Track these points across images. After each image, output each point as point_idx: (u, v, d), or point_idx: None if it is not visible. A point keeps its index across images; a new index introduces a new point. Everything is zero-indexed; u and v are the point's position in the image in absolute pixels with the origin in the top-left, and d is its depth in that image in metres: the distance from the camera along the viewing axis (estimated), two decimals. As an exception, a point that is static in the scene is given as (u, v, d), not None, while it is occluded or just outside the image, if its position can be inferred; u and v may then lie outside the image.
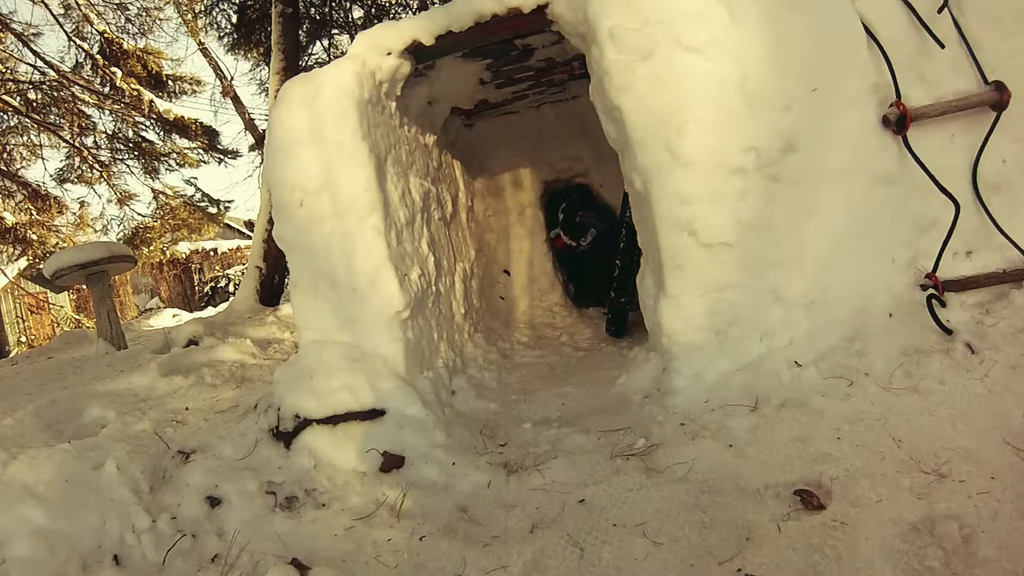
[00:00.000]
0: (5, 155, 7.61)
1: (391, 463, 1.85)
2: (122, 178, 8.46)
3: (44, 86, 7.30)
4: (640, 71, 1.87)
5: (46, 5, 7.25)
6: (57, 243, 7.62)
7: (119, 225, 8.57)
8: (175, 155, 8.45)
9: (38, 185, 7.82)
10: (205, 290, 14.01)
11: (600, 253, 4.05)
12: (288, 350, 3.65)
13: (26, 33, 7.03)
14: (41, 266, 5.94)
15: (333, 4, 7.31)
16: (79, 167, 8.13)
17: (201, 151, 8.62)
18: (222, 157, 8.77)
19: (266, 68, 7.67)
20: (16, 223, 7.48)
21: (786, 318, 1.85)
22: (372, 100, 2.28)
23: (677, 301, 1.91)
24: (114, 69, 7.63)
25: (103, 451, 1.81)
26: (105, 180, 8.25)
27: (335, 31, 7.65)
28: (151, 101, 7.74)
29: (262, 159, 8.47)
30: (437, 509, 1.67)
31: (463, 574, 1.38)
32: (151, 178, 8.46)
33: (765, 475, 1.45)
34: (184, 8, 8.48)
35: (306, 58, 7.37)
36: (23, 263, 8.51)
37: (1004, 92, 1.88)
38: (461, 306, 2.96)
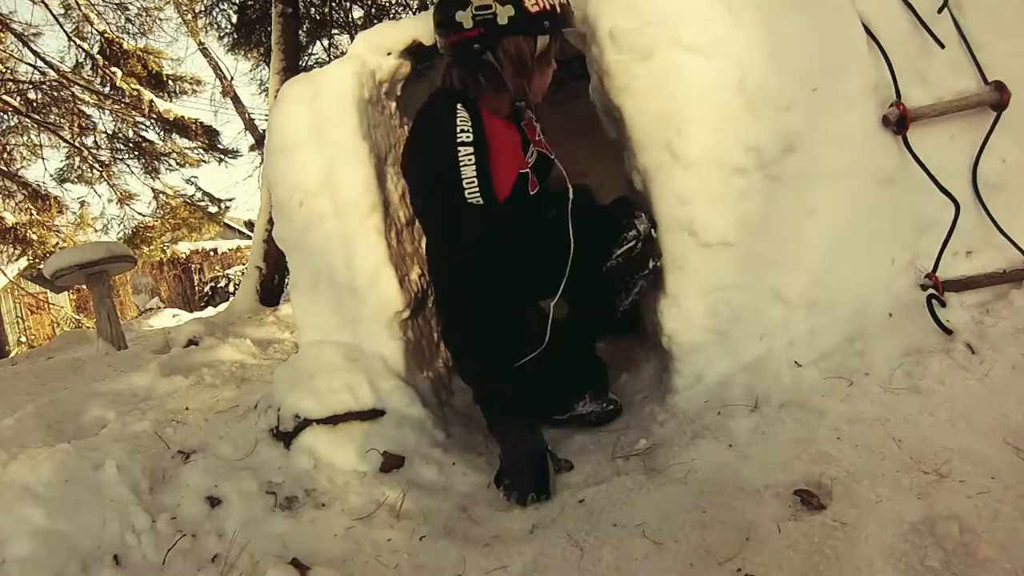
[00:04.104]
0: (5, 155, 7.62)
1: (391, 463, 1.85)
2: (122, 178, 8.50)
3: (44, 86, 7.32)
4: (640, 71, 1.87)
5: (46, 5, 7.26)
6: (57, 243, 7.63)
7: (119, 225, 8.61)
8: (175, 155, 8.47)
9: (38, 185, 7.84)
10: (205, 290, 14.03)
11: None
12: (288, 350, 3.65)
13: (26, 33, 7.05)
14: (41, 266, 5.95)
15: (333, 4, 7.31)
16: (79, 167, 8.15)
17: (201, 151, 8.64)
18: (222, 157, 8.79)
19: (266, 68, 7.67)
20: (16, 223, 7.49)
21: (786, 318, 1.85)
22: (372, 100, 2.28)
23: (677, 301, 1.91)
24: (114, 69, 7.64)
25: (103, 451, 1.81)
26: (105, 180, 8.27)
27: (335, 31, 7.65)
28: (151, 101, 7.75)
29: (262, 159, 8.49)
30: (437, 509, 1.67)
31: (463, 574, 1.38)
32: (151, 178, 8.49)
33: (765, 475, 1.45)
34: (184, 8, 8.50)
35: (306, 58, 7.36)
36: (23, 263, 8.53)
37: (1004, 92, 1.88)
38: (461, 306, 2.96)
